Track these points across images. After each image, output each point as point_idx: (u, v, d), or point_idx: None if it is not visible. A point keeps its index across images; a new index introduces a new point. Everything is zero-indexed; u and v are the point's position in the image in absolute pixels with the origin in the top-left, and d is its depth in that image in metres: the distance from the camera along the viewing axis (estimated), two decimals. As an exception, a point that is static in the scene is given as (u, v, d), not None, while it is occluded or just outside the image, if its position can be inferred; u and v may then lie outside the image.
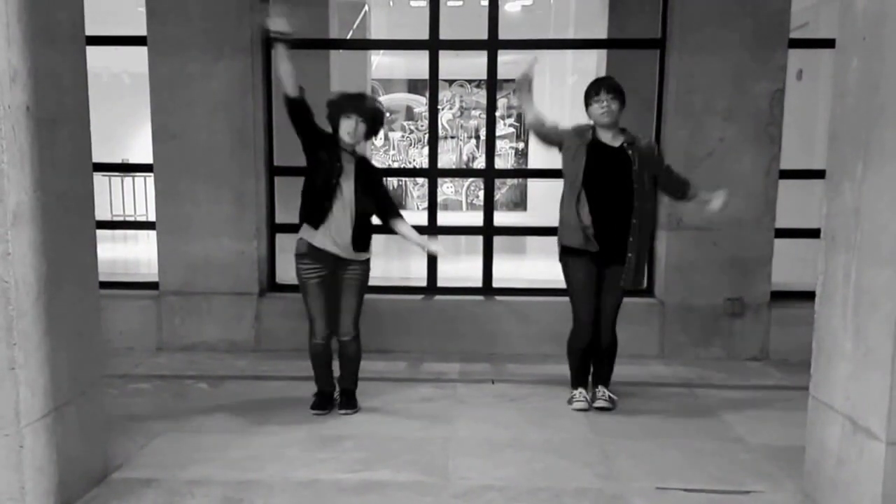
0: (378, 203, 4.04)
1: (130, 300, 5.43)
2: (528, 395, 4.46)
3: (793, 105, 5.52)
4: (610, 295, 4.14)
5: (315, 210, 3.91)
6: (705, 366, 5.10)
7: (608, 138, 4.03)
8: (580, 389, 4.27)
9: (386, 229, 4.15)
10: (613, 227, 4.00)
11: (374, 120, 3.96)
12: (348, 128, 3.87)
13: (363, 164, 4.06)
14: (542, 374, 4.84)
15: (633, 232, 3.99)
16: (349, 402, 4.15)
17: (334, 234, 3.91)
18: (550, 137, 4.18)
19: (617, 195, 3.99)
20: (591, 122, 4.08)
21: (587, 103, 4.07)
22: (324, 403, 4.14)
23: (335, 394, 4.21)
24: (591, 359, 4.30)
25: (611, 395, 4.24)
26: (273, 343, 5.27)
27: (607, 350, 4.25)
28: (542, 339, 5.15)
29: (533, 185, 15.94)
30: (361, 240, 3.98)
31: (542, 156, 5.57)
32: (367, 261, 4.08)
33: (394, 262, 8.76)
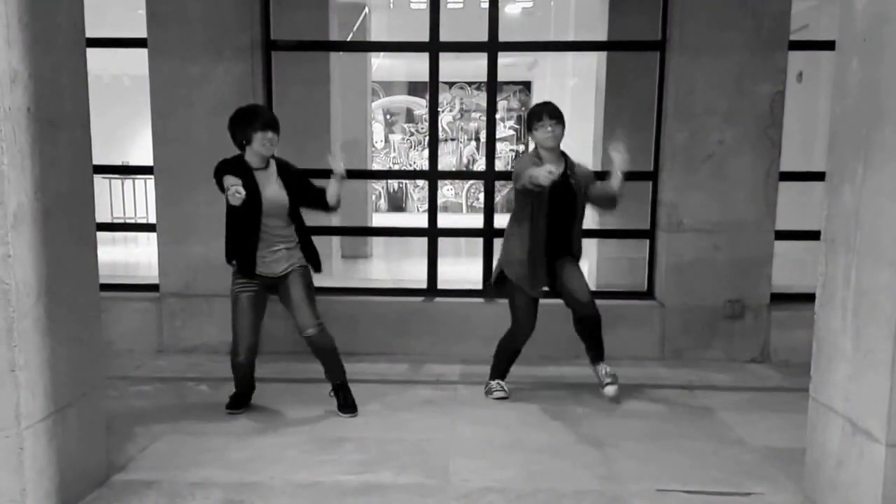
0: (308, 193, 4.06)
1: (131, 302, 5.43)
2: (529, 397, 4.46)
3: (793, 107, 5.52)
4: (573, 279, 4.28)
5: (244, 247, 3.93)
6: (705, 367, 5.10)
7: (553, 162, 4.17)
8: (498, 381, 4.47)
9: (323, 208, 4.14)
10: (562, 241, 4.29)
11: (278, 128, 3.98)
12: (266, 140, 3.89)
13: (281, 164, 4.06)
14: (542, 376, 4.84)
15: (574, 237, 4.33)
16: (346, 401, 4.11)
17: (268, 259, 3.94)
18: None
19: (565, 218, 4.27)
20: (533, 148, 4.34)
21: (532, 127, 4.30)
22: (239, 403, 4.18)
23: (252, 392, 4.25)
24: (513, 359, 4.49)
25: (608, 372, 4.31)
26: (273, 345, 5.25)
27: (596, 326, 4.30)
28: (542, 341, 5.13)
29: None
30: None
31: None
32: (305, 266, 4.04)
33: (394, 265, 8.77)
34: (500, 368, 4.50)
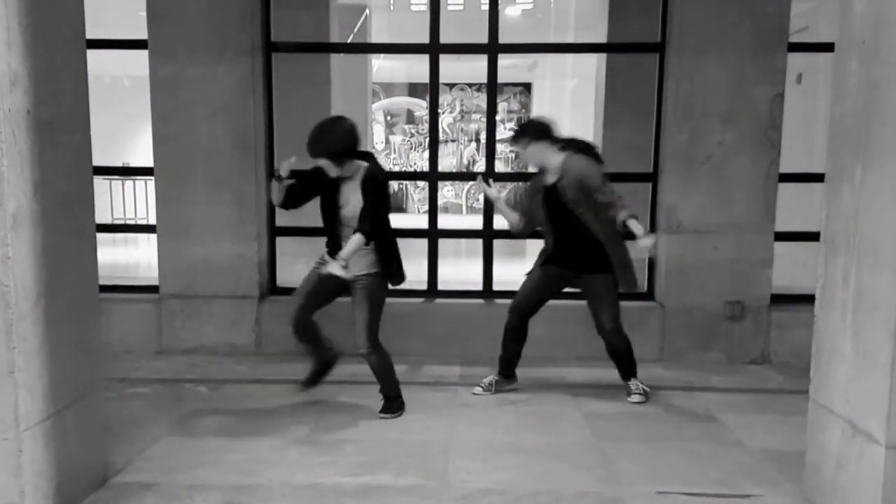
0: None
1: (131, 304, 5.43)
2: (528, 398, 4.46)
3: (793, 108, 5.52)
4: (596, 303, 4.33)
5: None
6: (705, 369, 5.09)
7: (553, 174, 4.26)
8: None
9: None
10: (577, 248, 4.27)
11: (329, 153, 3.87)
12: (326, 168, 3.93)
13: (367, 175, 3.98)
14: (542, 378, 4.83)
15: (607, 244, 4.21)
16: (384, 406, 4.15)
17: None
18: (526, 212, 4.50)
19: (567, 232, 4.27)
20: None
21: None
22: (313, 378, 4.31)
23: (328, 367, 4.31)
24: (508, 344, 4.51)
25: (637, 387, 4.43)
26: (273, 347, 5.26)
27: (614, 353, 4.42)
28: (542, 342, 5.13)
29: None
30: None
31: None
32: (372, 274, 3.98)
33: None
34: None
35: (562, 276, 4.37)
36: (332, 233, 4.04)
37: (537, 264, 4.45)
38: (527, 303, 4.44)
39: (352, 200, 3.94)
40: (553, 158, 4.25)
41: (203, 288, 5.28)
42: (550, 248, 4.36)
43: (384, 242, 4.01)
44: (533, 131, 4.30)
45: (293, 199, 4.07)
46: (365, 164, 4.00)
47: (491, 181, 4.77)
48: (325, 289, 4.02)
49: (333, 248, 3.98)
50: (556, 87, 13.43)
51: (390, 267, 4.03)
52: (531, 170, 4.49)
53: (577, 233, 4.22)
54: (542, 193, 4.31)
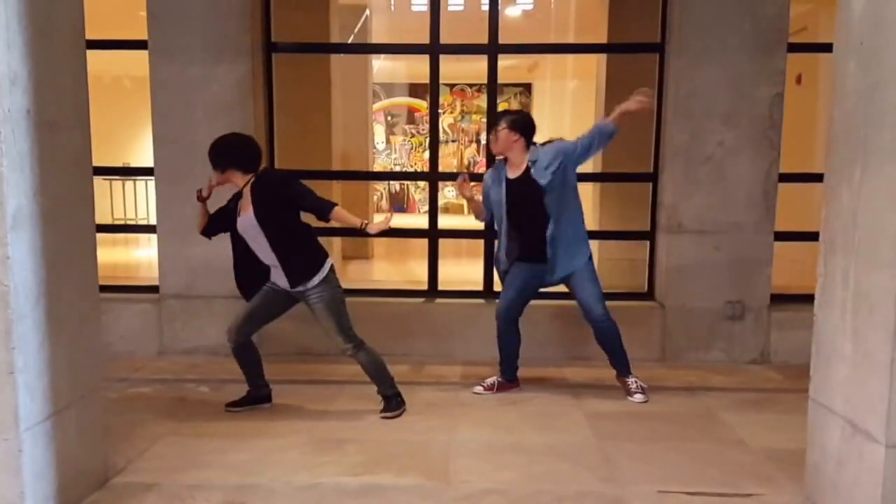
0: (294, 212, 3.92)
1: (131, 304, 5.43)
2: (530, 398, 4.46)
3: (793, 109, 5.52)
4: (583, 288, 4.35)
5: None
6: (706, 369, 5.10)
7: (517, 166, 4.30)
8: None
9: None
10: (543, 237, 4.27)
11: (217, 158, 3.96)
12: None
13: (259, 182, 3.89)
14: (543, 377, 4.84)
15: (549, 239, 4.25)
16: (384, 406, 4.15)
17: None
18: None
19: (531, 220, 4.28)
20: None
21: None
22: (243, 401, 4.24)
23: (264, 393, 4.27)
24: (504, 349, 4.52)
25: (636, 385, 4.43)
26: (274, 347, 5.25)
27: (601, 336, 4.42)
28: (544, 342, 5.14)
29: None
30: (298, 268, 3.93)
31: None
32: (317, 285, 3.92)
33: (395, 266, 8.77)
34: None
35: (535, 269, 4.36)
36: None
37: (506, 265, 4.44)
38: (508, 306, 4.45)
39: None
40: (521, 154, 4.28)
41: (204, 288, 5.28)
42: (515, 249, 4.36)
43: (302, 246, 3.93)
44: (524, 125, 4.32)
45: (211, 228, 4.09)
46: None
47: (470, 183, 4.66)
48: (274, 308, 4.08)
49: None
50: (556, 87, 13.42)
51: (322, 265, 3.94)
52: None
53: (542, 223, 4.24)
54: (504, 186, 4.32)
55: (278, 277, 3.96)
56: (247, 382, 4.22)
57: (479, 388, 4.54)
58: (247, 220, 3.86)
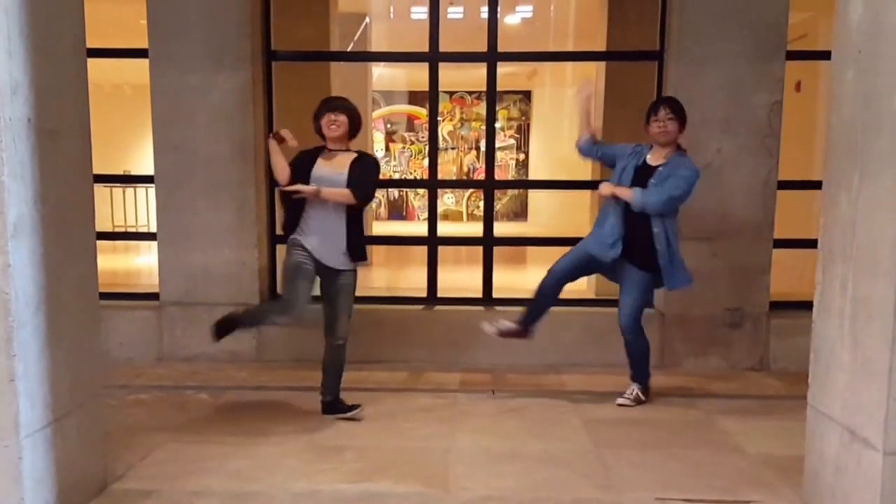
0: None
1: (131, 311, 5.43)
2: (529, 405, 4.46)
3: (792, 116, 5.54)
4: (622, 295, 4.41)
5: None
6: (705, 375, 5.10)
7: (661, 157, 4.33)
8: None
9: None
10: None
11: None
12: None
13: (362, 158, 4.10)
14: (543, 385, 4.84)
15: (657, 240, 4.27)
16: (330, 407, 4.19)
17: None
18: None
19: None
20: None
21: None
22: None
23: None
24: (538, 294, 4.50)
25: (631, 392, 4.45)
26: (274, 353, 5.27)
27: (626, 346, 4.45)
28: (543, 349, 5.14)
29: (533, 195, 15.97)
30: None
31: (541, 167, 5.58)
32: (352, 270, 4.12)
33: (394, 273, 8.78)
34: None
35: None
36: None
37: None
38: (563, 271, 4.45)
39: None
40: (671, 147, 4.34)
41: (203, 295, 5.28)
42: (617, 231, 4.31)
43: (362, 229, 4.14)
44: (684, 121, 4.38)
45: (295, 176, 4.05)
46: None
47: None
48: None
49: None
50: (555, 94, 13.45)
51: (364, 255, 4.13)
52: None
53: (642, 223, 4.26)
54: (634, 164, 4.34)
55: (325, 249, 3.99)
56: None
57: (485, 325, 4.62)
58: (337, 177, 3.95)
